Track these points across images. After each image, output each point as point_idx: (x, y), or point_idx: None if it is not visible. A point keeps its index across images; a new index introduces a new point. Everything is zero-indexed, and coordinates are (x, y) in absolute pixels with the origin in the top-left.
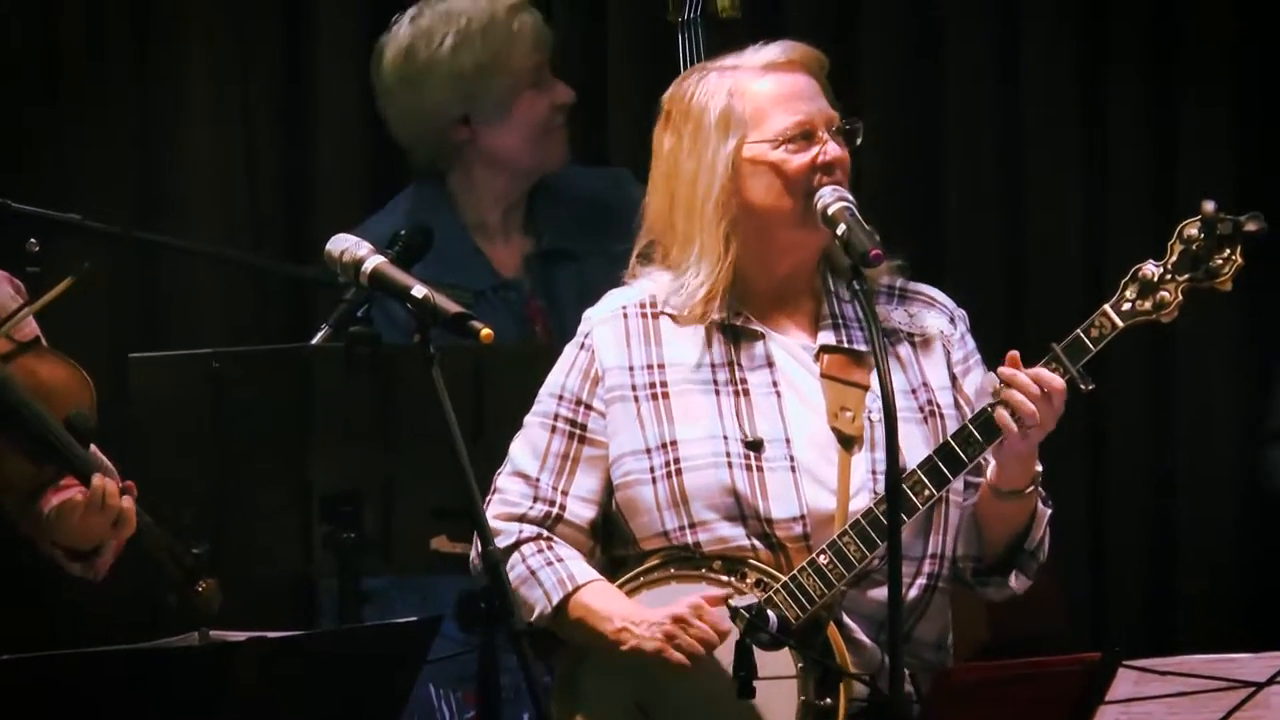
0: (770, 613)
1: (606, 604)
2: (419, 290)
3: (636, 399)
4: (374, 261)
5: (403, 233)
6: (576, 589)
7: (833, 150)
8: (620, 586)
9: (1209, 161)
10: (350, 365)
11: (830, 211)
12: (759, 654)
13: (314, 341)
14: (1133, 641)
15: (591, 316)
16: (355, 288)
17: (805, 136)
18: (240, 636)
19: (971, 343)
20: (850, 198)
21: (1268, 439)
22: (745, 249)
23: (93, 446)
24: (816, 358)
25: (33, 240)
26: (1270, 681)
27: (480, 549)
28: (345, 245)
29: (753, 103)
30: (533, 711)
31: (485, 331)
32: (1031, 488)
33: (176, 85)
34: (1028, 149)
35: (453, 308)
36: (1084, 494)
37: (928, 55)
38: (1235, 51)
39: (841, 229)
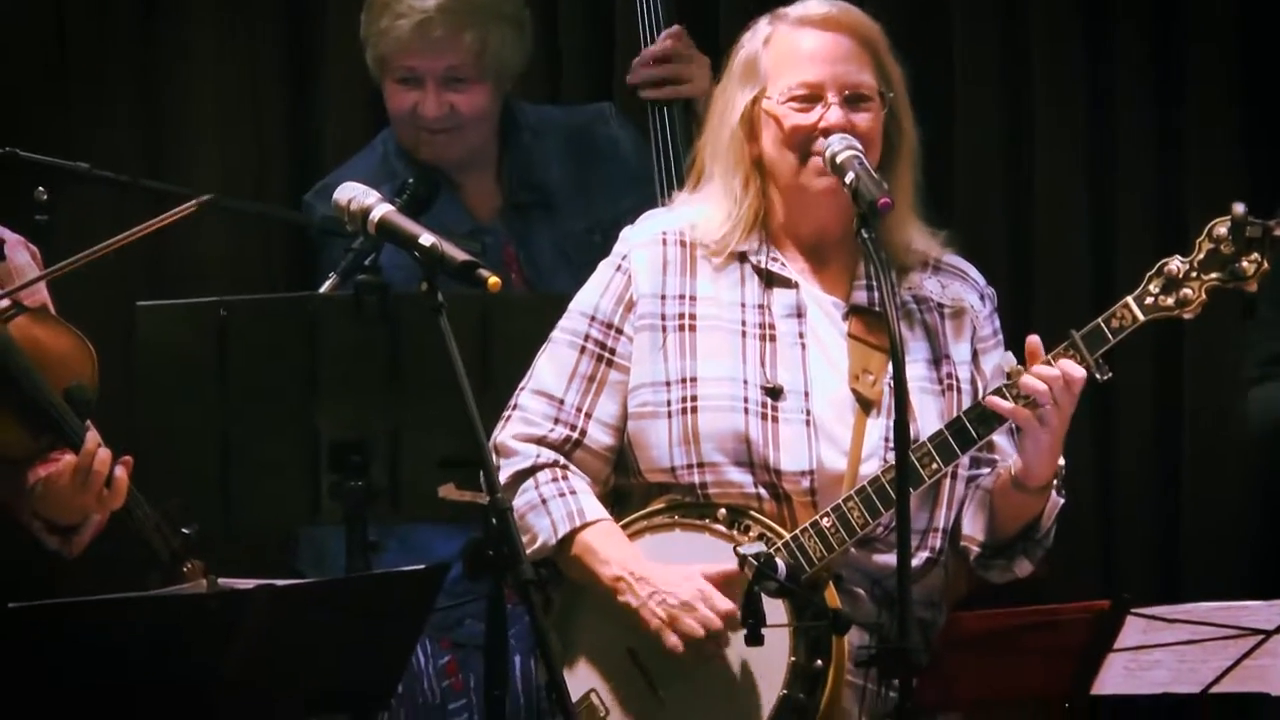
0: (779, 560)
1: (608, 548)
2: (427, 239)
3: (664, 329)
4: (381, 210)
5: (410, 181)
6: (584, 525)
7: (833, 116)
8: (623, 527)
9: (1216, 153)
10: (358, 314)
11: (839, 160)
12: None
13: (322, 290)
14: (1141, 589)
15: (630, 238)
16: (363, 236)
17: (811, 98)
18: (248, 584)
19: (997, 322)
20: (859, 146)
21: (1249, 381)
22: (769, 196)
23: (89, 424)
24: (846, 317)
25: (41, 189)
26: (1279, 630)
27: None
28: (353, 194)
29: (777, 55)
30: (524, 659)
31: (493, 280)
32: (1054, 481)
33: (182, 35)
34: (1036, 141)
35: (460, 256)
36: (1090, 443)
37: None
38: (1240, 33)
39: (850, 177)
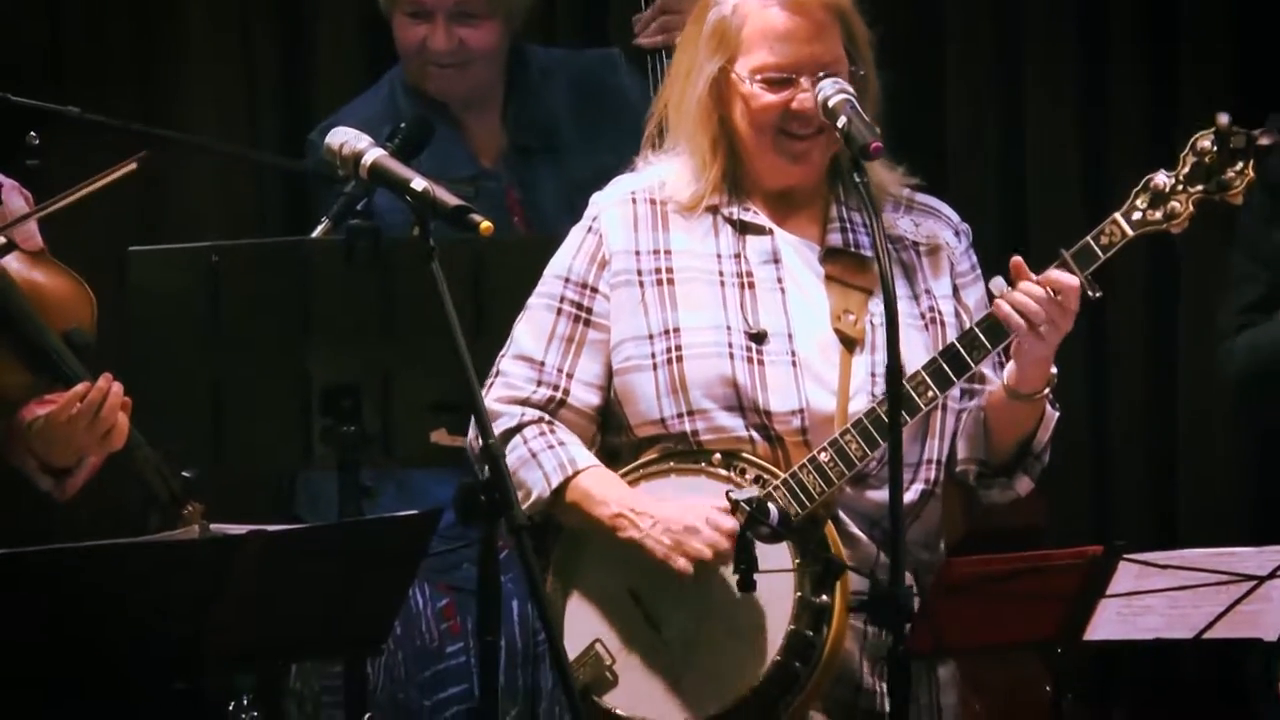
0: (771, 505)
1: (605, 489)
2: (419, 183)
3: (642, 284)
4: (373, 155)
5: (402, 125)
6: (576, 473)
7: (806, 100)
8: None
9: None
10: (350, 258)
11: (831, 104)
12: (759, 548)
13: (314, 235)
14: (1135, 536)
15: (599, 200)
16: (355, 181)
17: (783, 82)
18: (241, 530)
19: (974, 257)
20: (850, 90)
21: (1231, 330)
22: (737, 154)
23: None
24: (822, 259)
25: (32, 133)
26: (1271, 575)
27: (480, 440)
28: (345, 138)
29: (748, 28)
30: (522, 603)
31: (485, 225)
32: (1046, 390)
33: None
34: (1026, 75)
35: (452, 201)
36: (1085, 391)
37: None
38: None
39: (842, 121)
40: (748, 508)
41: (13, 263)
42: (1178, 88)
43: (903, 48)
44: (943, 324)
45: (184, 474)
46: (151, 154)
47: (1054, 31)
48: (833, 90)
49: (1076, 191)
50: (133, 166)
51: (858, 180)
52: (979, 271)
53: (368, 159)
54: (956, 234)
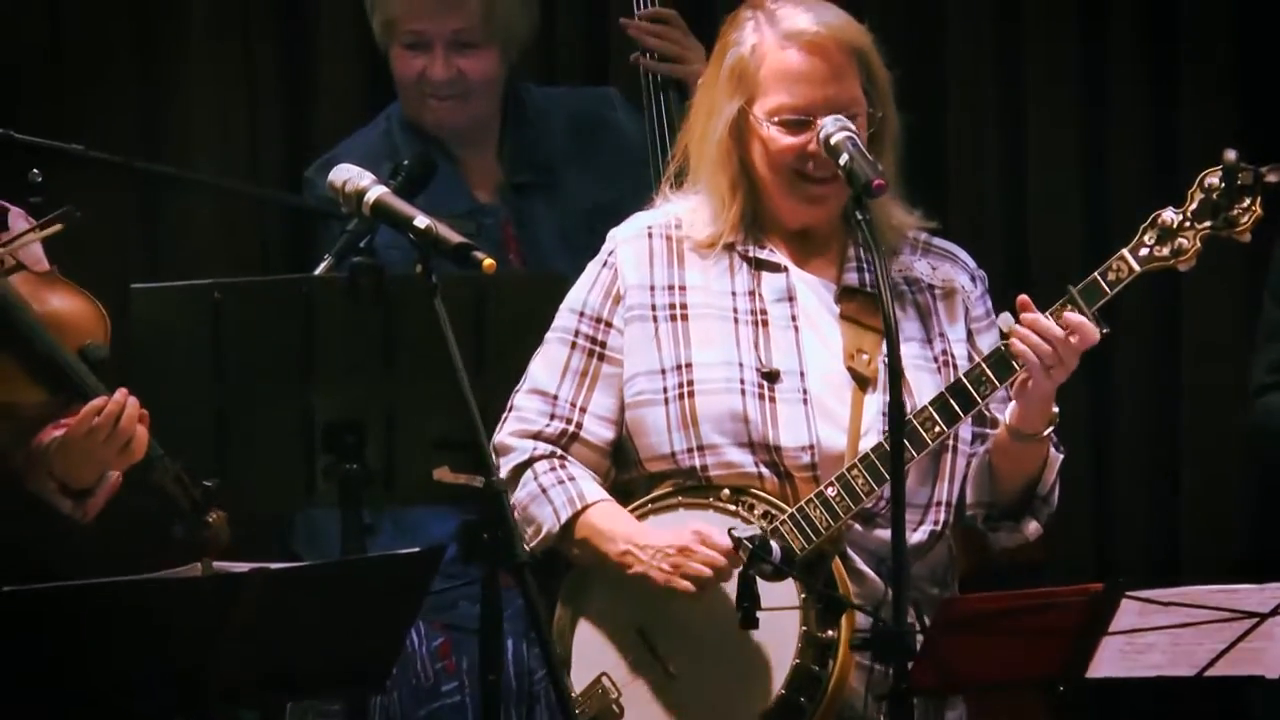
0: (773, 543)
1: (613, 525)
2: (421, 220)
3: (655, 319)
4: (376, 192)
5: (405, 163)
6: (585, 508)
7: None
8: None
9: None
10: (353, 296)
11: (833, 141)
12: (762, 585)
13: (316, 272)
14: (1137, 573)
15: (616, 235)
16: (358, 218)
17: (801, 124)
18: (243, 568)
19: (989, 303)
20: (853, 128)
21: (1258, 390)
22: (756, 194)
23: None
24: (837, 299)
25: (35, 171)
26: (1274, 613)
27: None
28: (347, 175)
29: (765, 69)
30: (517, 642)
31: (488, 262)
32: (1048, 430)
33: (177, 16)
34: (1028, 107)
35: (455, 238)
36: (1087, 427)
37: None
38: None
39: (844, 159)
40: (750, 545)
41: (24, 284)
42: (1178, 88)
43: (902, 49)
44: (955, 367)
45: (205, 483)
46: (78, 213)
47: (1054, 32)
48: (834, 128)
49: (1077, 193)
50: (59, 227)
51: (859, 218)
52: (994, 318)
53: (370, 196)
54: (973, 279)
